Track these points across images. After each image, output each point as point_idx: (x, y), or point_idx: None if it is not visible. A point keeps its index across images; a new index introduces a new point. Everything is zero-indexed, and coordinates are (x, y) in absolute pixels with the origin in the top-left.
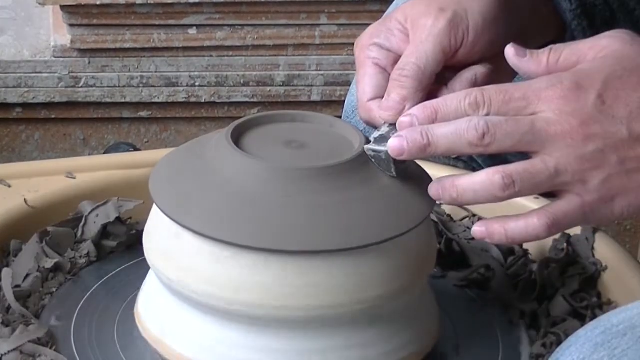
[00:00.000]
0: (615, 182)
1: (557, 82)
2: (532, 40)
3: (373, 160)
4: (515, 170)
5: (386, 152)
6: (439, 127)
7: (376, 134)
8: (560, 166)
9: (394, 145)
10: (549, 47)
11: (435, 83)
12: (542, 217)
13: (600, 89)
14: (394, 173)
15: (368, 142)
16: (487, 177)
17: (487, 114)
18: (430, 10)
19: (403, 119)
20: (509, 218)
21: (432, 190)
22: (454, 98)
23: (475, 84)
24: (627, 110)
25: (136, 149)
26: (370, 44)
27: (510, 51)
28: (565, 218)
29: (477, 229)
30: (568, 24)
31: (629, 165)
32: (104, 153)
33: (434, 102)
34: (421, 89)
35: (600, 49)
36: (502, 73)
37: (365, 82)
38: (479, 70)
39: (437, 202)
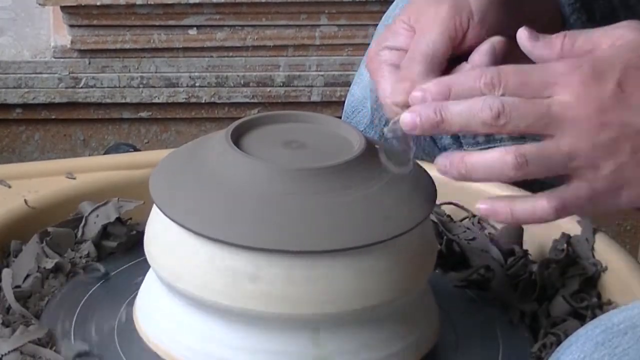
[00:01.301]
0: (626, 172)
1: (576, 68)
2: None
3: (389, 145)
4: (529, 150)
5: (402, 132)
6: (453, 105)
7: (393, 120)
8: (574, 150)
9: (407, 120)
10: (563, 32)
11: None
12: (552, 200)
13: (620, 77)
14: (410, 157)
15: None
16: (500, 155)
17: (503, 94)
18: (430, 2)
19: (415, 93)
20: (516, 197)
21: (439, 164)
22: (469, 76)
23: (494, 54)
24: None
25: (136, 150)
26: (379, 50)
27: (522, 34)
28: (573, 204)
29: (482, 206)
30: (567, 18)
31: None
32: (104, 154)
33: (447, 77)
34: (432, 74)
35: (615, 38)
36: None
37: (383, 83)
38: (496, 40)
39: (444, 176)
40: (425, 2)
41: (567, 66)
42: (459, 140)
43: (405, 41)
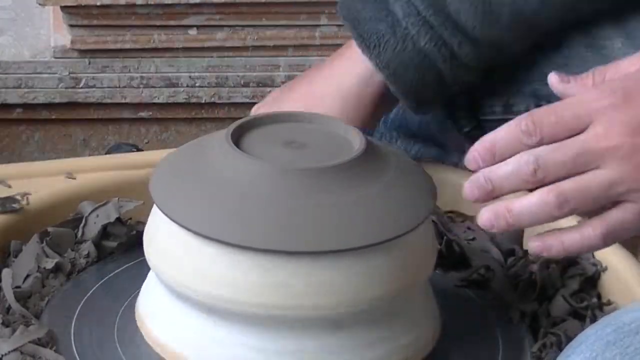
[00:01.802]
0: None
1: (608, 93)
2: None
3: None
4: (569, 187)
5: None
6: (497, 169)
7: None
8: (613, 178)
9: (466, 191)
10: (591, 70)
11: None
12: (597, 227)
13: None
14: None
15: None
16: (541, 198)
17: (540, 141)
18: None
19: (468, 156)
20: (564, 231)
21: (484, 219)
22: (508, 128)
23: None
24: None
25: (138, 150)
26: None
27: (554, 79)
28: (621, 227)
29: (535, 245)
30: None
31: None
32: (106, 154)
33: (489, 135)
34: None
35: None
36: None
37: None
38: None
39: (491, 231)
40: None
41: (597, 93)
42: (454, 114)
43: None
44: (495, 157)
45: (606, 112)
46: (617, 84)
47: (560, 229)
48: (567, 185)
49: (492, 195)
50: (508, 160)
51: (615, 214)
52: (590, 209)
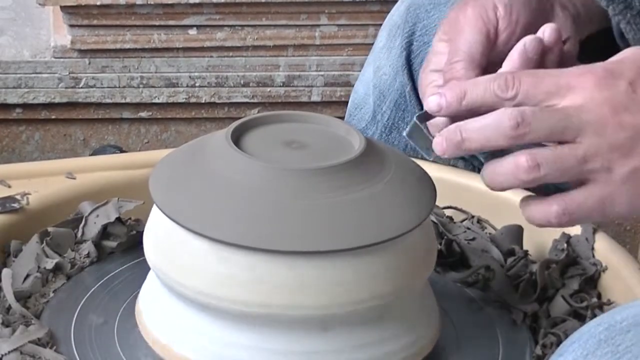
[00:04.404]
0: None
1: (589, 70)
2: (584, 28)
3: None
4: (542, 154)
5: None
6: (472, 121)
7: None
8: (589, 153)
9: (436, 143)
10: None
11: None
12: (553, 203)
13: (632, 77)
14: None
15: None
16: (514, 161)
17: (515, 95)
18: (454, 11)
19: (432, 98)
20: (529, 198)
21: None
22: (483, 80)
23: (525, 54)
24: None
25: (122, 151)
26: (425, 75)
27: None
28: (579, 208)
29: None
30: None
31: None
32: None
33: (463, 82)
34: (472, 72)
35: (625, 53)
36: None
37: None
38: (527, 39)
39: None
40: (453, 13)
41: (580, 69)
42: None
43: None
44: (462, 103)
45: (587, 87)
46: (600, 64)
47: (526, 197)
48: (541, 151)
49: (459, 146)
50: (489, 114)
51: (576, 195)
52: (559, 180)
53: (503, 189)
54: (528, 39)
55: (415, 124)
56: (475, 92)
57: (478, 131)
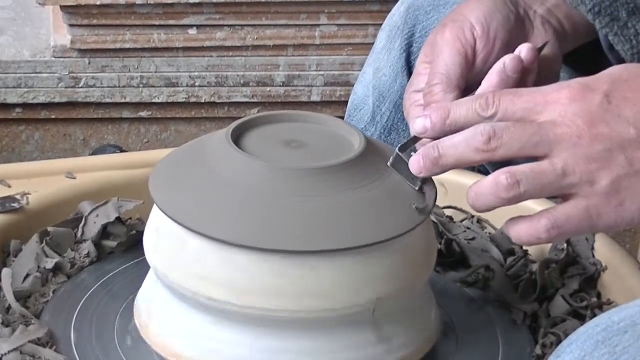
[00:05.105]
0: (624, 184)
1: (565, 86)
2: (569, 42)
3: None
4: (521, 170)
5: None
6: (448, 138)
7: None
8: (567, 167)
9: (413, 161)
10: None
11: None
12: (543, 219)
13: (607, 89)
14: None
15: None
16: (494, 179)
17: (495, 114)
18: (434, 33)
19: (418, 120)
20: (515, 219)
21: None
22: (466, 100)
23: (504, 73)
24: (634, 110)
25: (122, 151)
26: (409, 95)
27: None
28: (567, 222)
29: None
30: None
31: (638, 166)
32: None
33: (447, 103)
34: (451, 93)
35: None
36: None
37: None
38: (507, 59)
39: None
40: (432, 35)
41: (557, 85)
42: None
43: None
44: (447, 122)
45: (562, 101)
46: (576, 79)
47: (512, 218)
48: (520, 168)
49: (436, 163)
50: (465, 130)
51: (563, 208)
52: (540, 197)
53: (488, 210)
54: (508, 58)
55: (397, 155)
56: (458, 112)
57: (453, 147)
